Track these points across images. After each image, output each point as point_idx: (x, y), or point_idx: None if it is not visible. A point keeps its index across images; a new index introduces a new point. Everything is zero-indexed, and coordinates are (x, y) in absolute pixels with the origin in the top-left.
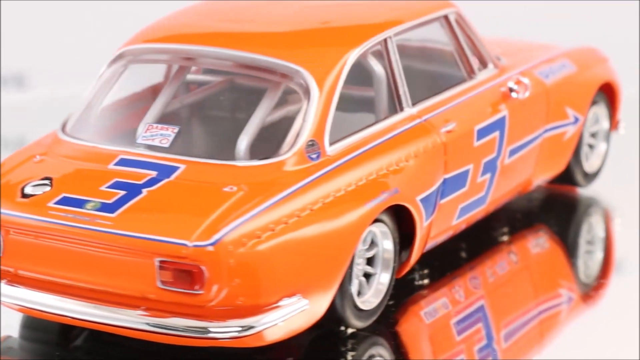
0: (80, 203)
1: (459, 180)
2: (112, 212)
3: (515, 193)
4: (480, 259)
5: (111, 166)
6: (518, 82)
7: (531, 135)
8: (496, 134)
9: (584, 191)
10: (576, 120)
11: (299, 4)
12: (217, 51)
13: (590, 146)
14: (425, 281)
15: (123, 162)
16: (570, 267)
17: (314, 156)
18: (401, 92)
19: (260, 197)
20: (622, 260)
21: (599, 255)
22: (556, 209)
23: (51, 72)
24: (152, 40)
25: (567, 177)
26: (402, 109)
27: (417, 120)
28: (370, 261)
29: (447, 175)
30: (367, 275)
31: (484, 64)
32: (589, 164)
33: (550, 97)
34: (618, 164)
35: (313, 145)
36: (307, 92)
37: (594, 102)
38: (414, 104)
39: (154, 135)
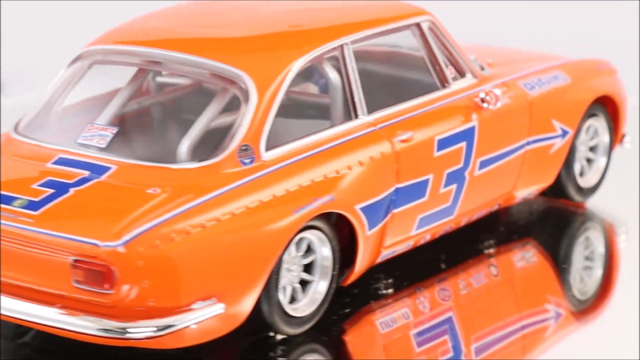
0: (9, 200)
1: (416, 190)
2: (35, 209)
3: (493, 205)
4: (455, 270)
5: (49, 165)
6: (489, 93)
7: (509, 146)
8: (462, 144)
9: (587, 205)
10: (565, 133)
11: (271, 7)
12: (167, 54)
13: (589, 160)
14: (390, 290)
15: (61, 162)
16: (560, 283)
17: (247, 161)
18: (356, 99)
19: (181, 199)
20: (623, 279)
21: (597, 272)
22: (553, 222)
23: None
24: (108, 42)
25: (559, 192)
26: (356, 117)
27: (371, 129)
28: (308, 268)
29: (400, 185)
30: (307, 282)
31: (461, 74)
32: (586, 179)
33: (534, 109)
34: (623, 177)
35: (247, 150)
36: (246, 97)
37: (591, 115)
38: (372, 111)
39: (94, 135)
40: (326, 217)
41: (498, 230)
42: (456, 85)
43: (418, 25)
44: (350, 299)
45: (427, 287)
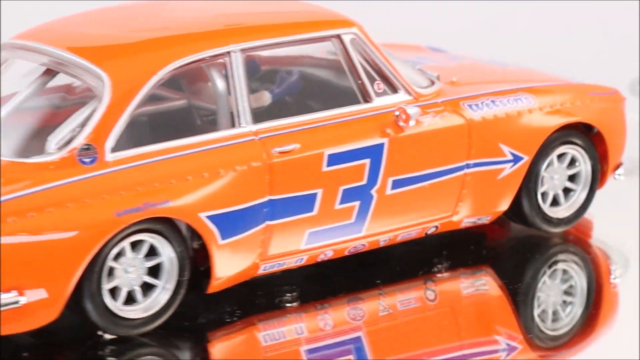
0: None
1: (300, 204)
2: None
3: (426, 227)
4: (385, 290)
5: None
6: (401, 111)
7: (439, 168)
8: (365, 161)
9: (571, 234)
10: (517, 158)
11: (187, 10)
12: (47, 49)
13: (569, 190)
14: (295, 303)
15: None
16: (516, 315)
17: (86, 160)
18: (240, 108)
19: (5, 189)
20: (612, 317)
21: (576, 308)
22: (524, 250)
23: None
24: (19, 37)
25: (525, 221)
26: (239, 125)
27: (248, 138)
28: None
29: (274, 197)
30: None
31: (393, 89)
32: (556, 210)
33: (475, 131)
34: (618, 202)
35: (88, 150)
36: (100, 96)
37: (568, 143)
38: (259, 121)
39: None
40: (171, 221)
41: (456, 253)
42: (380, 101)
43: (339, 37)
44: (245, 308)
45: (339, 305)
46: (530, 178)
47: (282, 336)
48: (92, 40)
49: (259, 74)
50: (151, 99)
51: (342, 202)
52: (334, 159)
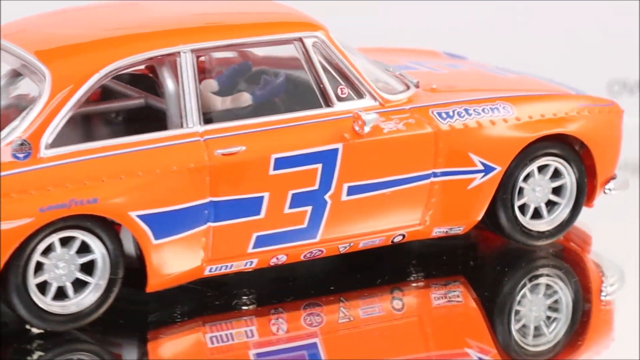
0: None
1: (245, 207)
2: None
3: (391, 235)
4: (346, 296)
5: None
6: (356, 117)
7: (402, 175)
8: (317, 166)
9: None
10: (488, 169)
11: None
12: (5, 44)
13: (554, 203)
14: (251, 306)
15: None
16: (491, 329)
17: (20, 155)
18: (188, 108)
19: None
20: (594, 335)
21: (560, 325)
22: (508, 261)
23: None
24: None
25: (502, 232)
26: (186, 125)
27: (192, 139)
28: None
29: (216, 199)
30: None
31: (359, 94)
32: (541, 223)
33: (443, 139)
34: (618, 215)
35: (23, 145)
36: (40, 93)
37: (550, 154)
38: (208, 121)
39: None
40: (103, 219)
41: (433, 262)
42: (343, 105)
43: (300, 40)
44: (200, 309)
45: (295, 310)
46: (506, 189)
47: (230, 338)
48: (51, 39)
49: (249, 74)
50: (112, 97)
51: (292, 207)
52: (281, 163)
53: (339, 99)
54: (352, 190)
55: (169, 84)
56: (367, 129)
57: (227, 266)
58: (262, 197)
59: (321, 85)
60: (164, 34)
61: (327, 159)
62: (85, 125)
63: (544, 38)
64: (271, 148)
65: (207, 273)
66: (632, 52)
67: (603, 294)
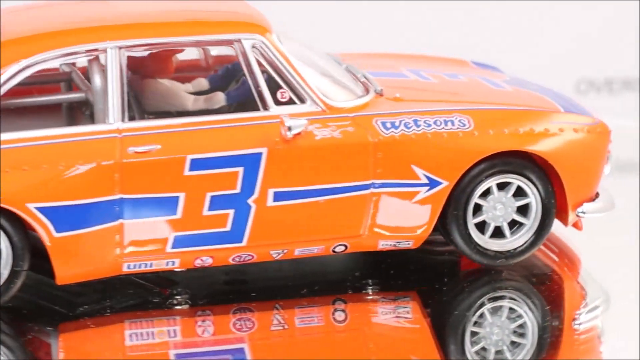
0: None
1: (160, 206)
2: None
3: (330, 244)
4: (285, 303)
5: None
6: (281, 122)
7: (334, 184)
8: (238, 169)
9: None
10: (433, 183)
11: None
12: None
13: (520, 224)
14: (184, 307)
15: None
16: (440, 348)
17: None
18: (111, 104)
19: None
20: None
21: (525, 351)
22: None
23: None
24: None
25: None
26: (107, 121)
27: (108, 135)
28: None
29: (126, 196)
30: None
31: (301, 99)
32: (505, 243)
33: (382, 149)
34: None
35: None
36: None
37: (512, 172)
38: (132, 118)
39: None
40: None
41: (390, 275)
42: (280, 109)
43: (239, 42)
44: (127, 304)
45: (224, 313)
46: (458, 205)
47: (151, 337)
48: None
49: (242, 74)
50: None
51: (212, 209)
52: (197, 164)
53: (278, 102)
54: (279, 196)
55: (96, 79)
56: (290, 134)
57: (146, 264)
58: (177, 197)
59: (258, 88)
60: (92, 29)
61: (249, 162)
62: (12, 117)
63: (513, 36)
64: (188, 148)
65: (125, 270)
66: (600, 52)
67: (577, 322)
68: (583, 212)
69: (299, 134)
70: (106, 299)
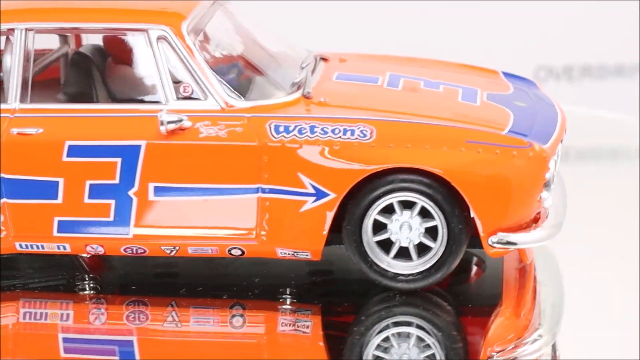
0: None
1: (40, 189)
2: None
3: (223, 246)
4: (182, 301)
5: None
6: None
7: (218, 185)
8: (116, 160)
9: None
10: (320, 194)
11: None
12: None
13: (426, 246)
14: (90, 292)
15: None
16: None
17: None
18: (11, 84)
19: None
20: None
21: None
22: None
23: None
24: None
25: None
26: (6, 101)
27: (3, 114)
28: None
29: (7, 176)
30: None
31: (204, 95)
32: (406, 265)
33: (269, 154)
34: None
35: None
36: None
37: (414, 191)
38: (33, 101)
39: None
40: None
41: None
42: (178, 104)
43: (146, 32)
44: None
45: (118, 303)
46: (351, 220)
47: (43, 317)
48: None
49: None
50: None
51: (92, 197)
52: (75, 151)
53: (180, 96)
54: (159, 191)
55: (7, 59)
56: (163, 129)
57: (37, 246)
58: (57, 182)
59: (160, 80)
60: (6, 11)
61: (127, 154)
62: None
63: (471, 22)
64: (67, 135)
65: (19, 249)
66: (560, 39)
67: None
68: (494, 243)
69: (181, 129)
70: (22, 278)
